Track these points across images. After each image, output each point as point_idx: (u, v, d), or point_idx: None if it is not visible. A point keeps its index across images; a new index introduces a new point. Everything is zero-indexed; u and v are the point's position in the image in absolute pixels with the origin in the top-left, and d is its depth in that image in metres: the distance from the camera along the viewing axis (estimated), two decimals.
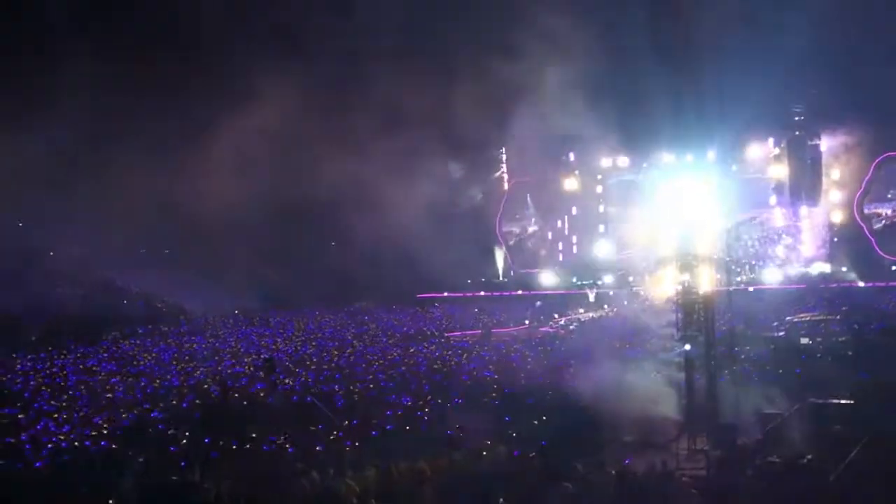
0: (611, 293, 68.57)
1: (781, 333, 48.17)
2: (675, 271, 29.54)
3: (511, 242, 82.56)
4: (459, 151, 53.19)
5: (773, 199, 74.54)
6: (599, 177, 78.92)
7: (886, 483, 19.91)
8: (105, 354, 50.99)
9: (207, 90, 50.67)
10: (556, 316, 64.16)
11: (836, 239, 72.73)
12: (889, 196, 72.12)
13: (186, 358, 49.18)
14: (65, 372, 44.54)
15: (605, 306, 65.64)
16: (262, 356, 46.54)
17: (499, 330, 60.86)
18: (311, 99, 49.92)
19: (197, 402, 34.76)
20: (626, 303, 61.41)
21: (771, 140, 73.57)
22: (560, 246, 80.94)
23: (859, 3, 59.60)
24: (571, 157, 77.07)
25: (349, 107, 52.06)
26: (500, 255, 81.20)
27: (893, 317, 51.65)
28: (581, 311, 66.09)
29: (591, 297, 68.64)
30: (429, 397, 33.79)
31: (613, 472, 22.86)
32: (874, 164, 71.30)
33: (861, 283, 67.60)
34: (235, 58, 51.00)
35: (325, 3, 50.49)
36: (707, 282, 29.06)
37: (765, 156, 74.27)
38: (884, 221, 72.14)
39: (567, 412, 29.66)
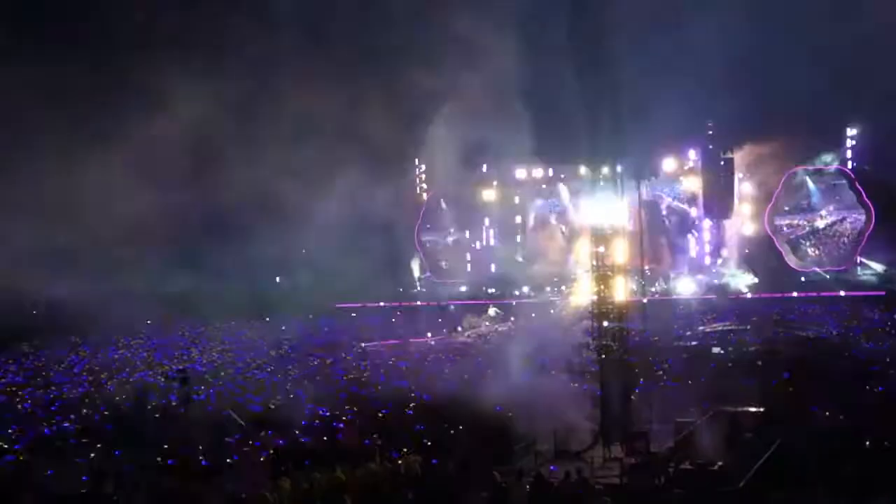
0: (513, 304, 68.83)
1: (694, 343, 48.87)
2: (591, 282, 29.81)
3: (429, 253, 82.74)
4: (374, 162, 53.06)
5: (693, 211, 75.83)
6: (518, 190, 79.70)
7: (795, 488, 20.31)
8: (13, 366, 49.89)
9: (118, 96, 49.84)
10: (458, 329, 64.22)
11: (747, 250, 74.18)
12: (804, 207, 73.77)
13: (97, 369, 48.34)
14: None
15: (512, 318, 65.65)
16: (176, 367, 45.95)
17: (416, 339, 60.82)
18: (220, 107, 49.59)
19: (107, 413, 34.15)
20: (533, 315, 61.70)
21: (686, 153, 74.81)
22: (478, 257, 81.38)
23: (771, 19, 60.91)
24: (484, 168, 77.56)
25: (257, 117, 51.75)
26: (417, 266, 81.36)
27: (799, 327, 52.71)
28: (485, 323, 65.99)
29: (492, 312, 68.51)
30: (346, 407, 33.61)
31: (529, 480, 22.98)
32: (784, 178, 72.89)
33: (748, 294, 69.09)
34: (144, 63, 50.34)
35: (236, 8, 50.05)
36: (622, 292, 29.39)
37: (678, 169, 75.54)
38: (796, 232, 73.74)
39: (483, 421, 29.72)
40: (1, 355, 53.53)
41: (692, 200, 75.87)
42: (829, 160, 72.66)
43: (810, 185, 73.22)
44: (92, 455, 26.85)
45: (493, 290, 75.80)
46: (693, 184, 75.25)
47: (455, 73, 44.27)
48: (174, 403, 34.59)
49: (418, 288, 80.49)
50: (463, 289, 77.36)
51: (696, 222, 76.01)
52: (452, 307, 71.02)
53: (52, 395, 39.24)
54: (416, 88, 45.32)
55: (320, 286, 66.44)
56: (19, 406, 36.83)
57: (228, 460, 25.91)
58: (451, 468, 23.87)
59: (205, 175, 52.21)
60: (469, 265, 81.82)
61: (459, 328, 64.10)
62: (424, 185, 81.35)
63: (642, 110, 29.14)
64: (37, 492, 21.62)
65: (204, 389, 39.13)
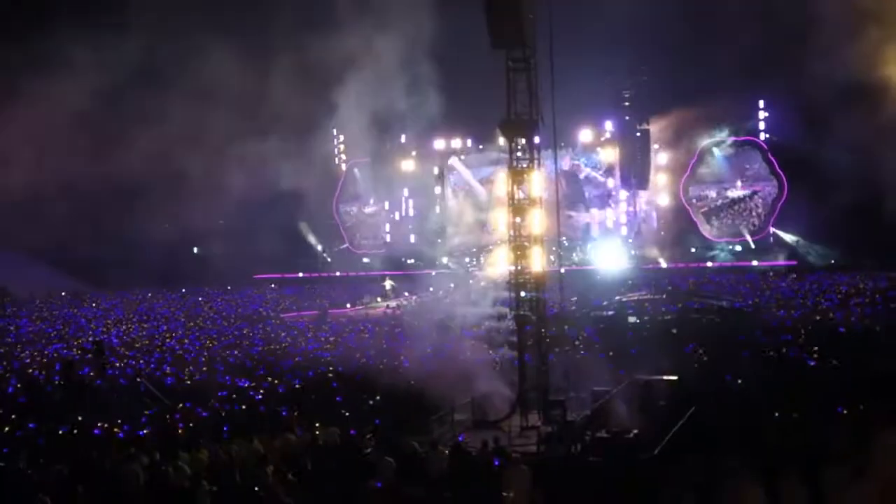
0: (432, 273, 68.75)
1: (610, 313, 49.48)
2: (509, 252, 29.94)
3: (348, 223, 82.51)
4: (290, 132, 52.67)
5: (610, 182, 76.56)
6: (437, 160, 79.73)
7: (707, 455, 20.68)
8: None
9: (22, 64, 48.83)
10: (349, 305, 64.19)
11: (661, 221, 75.21)
12: (717, 178, 74.86)
13: (10, 341, 47.52)
14: None
15: (406, 294, 65.53)
16: (91, 338, 45.37)
17: (335, 311, 60.79)
18: (125, 78, 49.00)
19: (19, 386, 33.59)
20: (452, 285, 61.87)
21: (608, 123, 75.43)
22: (398, 228, 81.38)
23: None
24: (403, 138, 77.44)
25: (164, 85, 51.08)
26: (333, 236, 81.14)
27: (713, 297, 53.63)
28: (378, 300, 65.88)
29: (387, 285, 68.33)
30: (266, 379, 33.49)
31: (447, 449, 23.10)
32: (698, 149, 73.96)
33: (664, 264, 70.15)
34: (45, 31, 49.42)
35: None
36: (539, 263, 29.56)
37: (596, 140, 76.19)
38: (709, 203, 74.87)
39: (401, 391, 29.83)
40: None
41: (609, 171, 76.61)
42: (740, 132, 73.71)
43: (722, 156, 74.29)
44: (5, 428, 26.38)
45: (412, 261, 75.89)
46: (610, 155, 76.01)
47: (369, 37, 44.03)
48: (90, 375, 34.22)
49: (330, 259, 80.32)
50: (380, 260, 77.30)
51: (613, 193, 76.79)
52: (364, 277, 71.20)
53: None
54: (329, 54, 45.01)
55: (238, 257, 65.91)
56: None
57: (145, 431, 25.66)
58: (368, 438, 23.90)
59: (113, 144, 51.52)
60: (388, 236, 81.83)
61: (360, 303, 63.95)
62: (343, 157, 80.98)
63: (560, 80, 29.02)
64: None
65: (119, 363, 38.70)
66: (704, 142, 73.99)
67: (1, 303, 63.59)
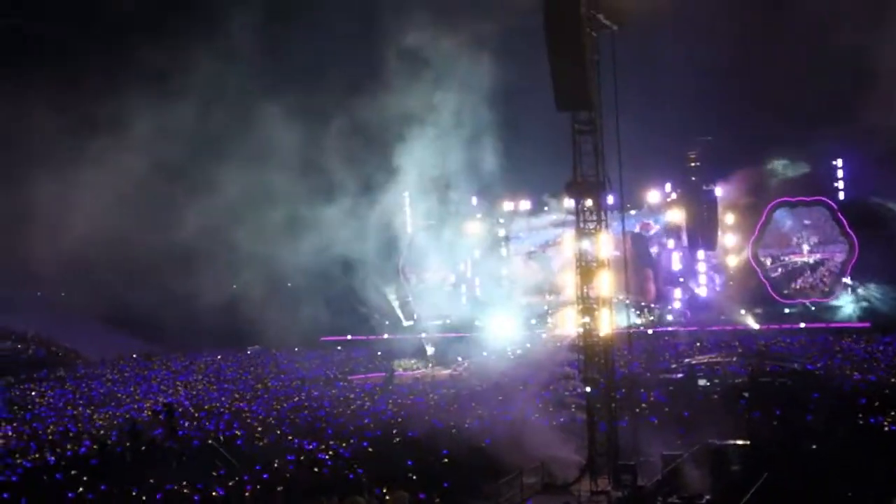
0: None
1: (680, 375, 48.87)
2: (577, 314, 29.81)
3: (416, 284, 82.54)
4: (362, 195, 53.13)
5: (670, 243, 76.03)
6: (501, 220, 79.75)
7: None
8: None
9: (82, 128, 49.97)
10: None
11: (731, 282, 74.41)
12: (787, 240, 74.02)
13: (83, 403, 48.15)
14: None
15: (459, 359, 64.37)
16: (161, 400, 45.83)
17: (401, 374, 60.76)
18: (189, 140, 49.84)
19: (93, 447, 33.99)
20: (519, 350, 61.45)
21: (668, 185, 75.17)
22: (463, 288, 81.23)
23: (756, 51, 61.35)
24: (474, 200, 77.56)
25: (228, 151, 51.87)
26: (402, 299, 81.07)
27: (784, 359, 52.74)
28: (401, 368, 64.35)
29: (429, 350, 67.51)
30: (331, 441, 33.52)
31: None
32: (767, 210, 73.29)
33: (755, 326, 69.13)
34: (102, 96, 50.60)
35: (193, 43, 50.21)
36: (607, 324, 29.39)
37: (662, 201, 75.83)
38: (780, 268, 73.99)
39: (469, 454, 29.69)
40: None
41: (676, 232, 76.10)
42: (810, 190, 72.86)
43: (792, 217, 73.51)
44: (79, 489, 26.71)
45: (479, 323, 75.71)
46: (676, 215, 75.54)
47: (438, 101, 44.53)
48: (160, 437, 34.55)
49: (405, 321, 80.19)
50: (448, 320, 77.13)
51: (682, 254, 76.18)
52: (432, 340, 70.86)
53: (38, 430, 39.02)
54: (394, 116, 45.56)
55: (304, 319, 66.34)
56: (3, 441, 36.59)
57: (214, 494, 25.83)
58: (437, 502, 23.82)
59: (175, 208, 52.33)
60: (454, 297, 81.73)
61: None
62: (409, 220, 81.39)
63: (625, 140, 29.11)
64: None
65: (189, 424, 39.01)
66: (773, 202, 73.26)
67: (73, 365, 64.62)
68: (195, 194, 50.80)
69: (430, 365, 64.13)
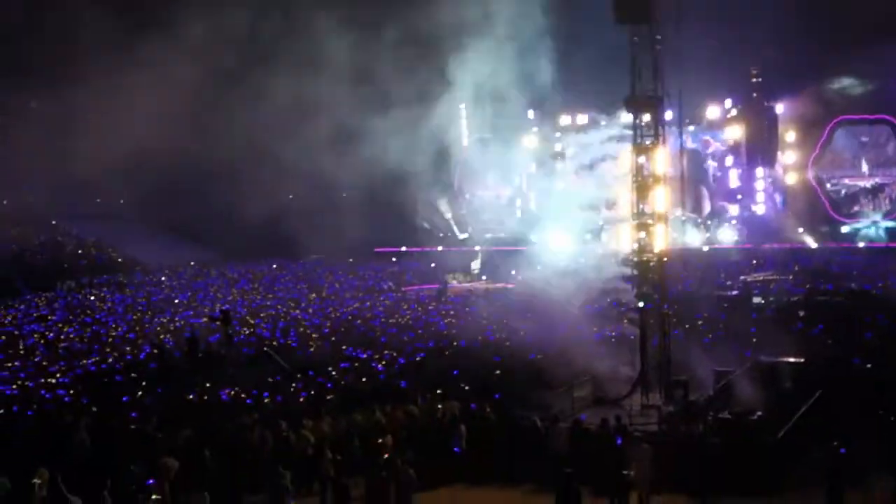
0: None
1: (735, 293, 48.59)
2: (632, 229, 29.61)
3: (471, 198, 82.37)
4: (418, 104, 52.61)
5: (728, 160, 74.98)
6: (558, 134, 79.01)
7: (834, 439, 20.22)
8: (59, 303, 50.53)
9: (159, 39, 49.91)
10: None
11: (789, 201, 73.41)
12: (847, 159, 72.74)
13: (141, 309, 48.90)
14: (17, 320, 44.14)
15: (513, 273, 64.18)
16: (217, 308, 46.42)
17: (454, 286, 61.03)
18: (242, 47, 49.59)
19: (153, 352, 34.58)
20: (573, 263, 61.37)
21: (728, 101, 73.86)
22: (518, 203, 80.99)
23: None
24: (530, 114, 76.86)
25: (280, 60, 51.52)
26: (456, 212, 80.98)
27: (842, 278, 52.20)
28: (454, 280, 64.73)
29: (475, 265, 67.05)
30: (384, 350, 33.81)
31: (567, 425, 23.07)
32: (829, 127, 71.93)
33: (814, 245, 68.37)
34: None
35: None
36: (662, 240, 29.17)
37: (722, 117, 74.62)
38: (840, 189, 72.84)
39: (520, 366, 29.83)
40: (46, 293, 54.18)
41: (734, 149, 74.98)
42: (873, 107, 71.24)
43: (847, 136, 72.12)
44: (138, 393, 27.20)
45: (533, 237, 75.53)
46: (735, 132, 74.35)
47: (496, 9, 43.79)
48: (216, 344, 35.05)
49: (458, 235, 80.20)
50: (502, 234, 77.06)
51: (741, 171, 75.14)
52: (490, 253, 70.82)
53: (99, 333, 39.75)
54: (451, 26, 44.87)
55: (358, 230, 66.56)
56: (65, 344, 37.30)
57: (269, 400, 26.20)
58: (488, 413, 23.98)
59: (235, 121, 52.37)
60: (508, 211, 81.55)
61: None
62: (466, 132, 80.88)
63: (685, 55, 28.60)
64: (83, 430, 21.91)
65: (245, 331, 39.52)
66: (834, 119, 71.86)
67: (132, 272, 65.51)
68: (249, 103, 50.80)
69: (483, 278, 64.36)
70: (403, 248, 75.64)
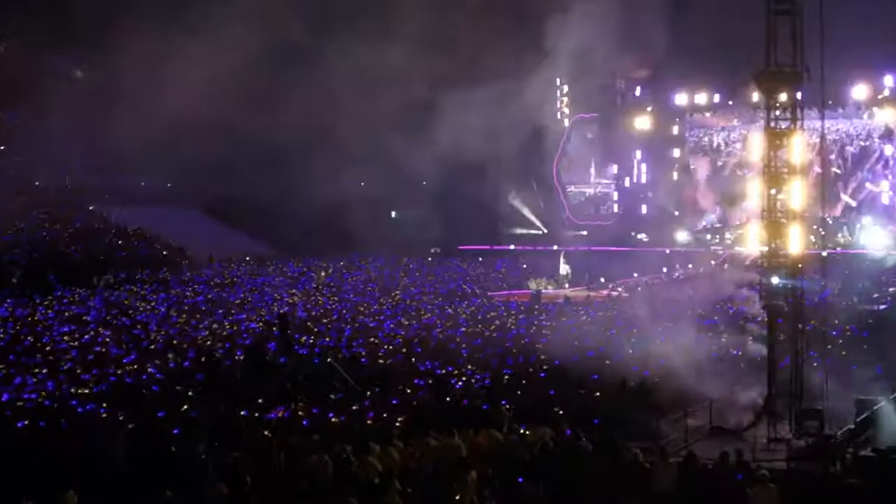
0: (667, 252, 67.29)
1: (883, 307, 47.85)
2: (761, 229, 29.33)
3: (571, 189, 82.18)
4: (506, 82, 52.43)
5: (888, 149, 73.69)
6: (676, 118, 78.47)
7: None
8: (95, 302, 51.31)
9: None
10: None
11: None
12: None
13: (188, 309, 49.46)
14: (49, 320, 44.91)
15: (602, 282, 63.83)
16: (274, 310, 46.83)
17: (551, 291, 60.88)
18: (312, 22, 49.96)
19: (201, 360, 34.95)
20: (690, 267, 60.86)
21: (888, 78, 72.56)
22: (627, 195, 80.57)
23: None
24: (638, 91, 76.44)
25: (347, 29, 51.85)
26: (553, 206, 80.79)
27: None
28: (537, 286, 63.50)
29: (563, 270, 66.25)
30: (467, 366, 33.83)
31: (678, 460, 22.88)
32: None
33: None
34: None
35: None
36: (798, 242, 28.84)
37: (872, 97, 73.45)
38: None
39: (625, 388, 29.67)
40: (82, 289, 55.00)
41: (887, 136, 73.77)
42: None
43: None
44: (183, 406, 27.51)
45: (643, 236, 75.15)
46: (889, 115, 73.11)
47: None
48: (273, 352, 35.38)
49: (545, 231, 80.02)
50: (604, 233, 76.76)
51: (892, 162, 73.89)
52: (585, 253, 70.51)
53: (139, 336, 40.25)
54: None
55: (440, 224, 66.63)
56: (101, 348, 37.84)
57: (332, 419, 26.37)
58: (585, 443, 23.86)
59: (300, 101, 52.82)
60: (616, 206, 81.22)
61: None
62: (566, 111, 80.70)
63: (831, 24, 28.20)
64: (119, 448, 22.25)
65: (305, 338, 39.79)
66: None
67: (178, 266, 66.33)
68: (315, 77, 51.18)
69: (566, 285, 63.61)
70: (491, 247, 75.59)
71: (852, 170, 74.63)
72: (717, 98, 77.07)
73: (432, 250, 72.34)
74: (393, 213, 77.26)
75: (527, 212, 79.69)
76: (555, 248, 73.02)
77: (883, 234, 71.45)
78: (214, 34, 48.52)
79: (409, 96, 50.39)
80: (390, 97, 49.70)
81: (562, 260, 65.91)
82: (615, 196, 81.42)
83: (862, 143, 74.52)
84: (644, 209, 78.94)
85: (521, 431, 24.63)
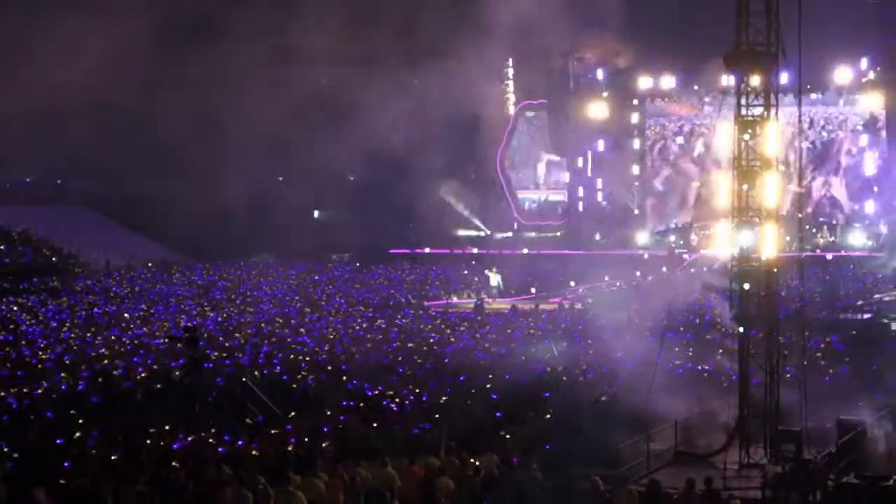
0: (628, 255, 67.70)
1: (867, 316, 48.43)
2: (731, 230, 29.53)
3: (515, 186, 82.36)
4: (443, 61, 52.45)
5: (863, 139, 74.61)
6: (635, 102, 78.80)
7: None
8: None
9: None
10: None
11: None
12: None
13: (82, 323, 49.12)
14: None
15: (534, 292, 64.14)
16: (182, 324, 46.59)
17: (497, 302, 61.06)
18: None
19: (100, 381, 34.71)
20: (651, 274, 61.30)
21: (864, 61, 73.49)
22: (580, 191, 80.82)
23: None
24: (600, 74, 76.76)
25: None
26: (494, 203, 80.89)
27: None
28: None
29: (494, 281, 65.70)
30: (409, 384, 33.88)
31: (639, 489, 23.05)
32: None
33: None
34: None
35: None
36: (772, 245, 29.08)
37: (855, 81, 74.28)
38: None
39: (581, 410, 29.82)
40: None
41: (871, 125, 74.66)
42: None
43: None
44: (75, 434, 27.30)
45: (599, 238, 75.56)
46: (873, 102, 74.01)
47: None
48: (179, 372, 35.18)
49: (495, 233, 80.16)
50: (558, 234, 77.14)
51: (880, 154, 74.75)
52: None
53: (25, 356, 39.90)
54: None
55: (368, 224, 66.66)
56: None
57: (247, 446, 26.30)
58: (536, 471, 23.97)
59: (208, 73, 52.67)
60: (567, 203, 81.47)
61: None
62: (512, 98, 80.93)
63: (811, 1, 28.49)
64: (3, 482, 22.05)
65: (217, 355, 39.67)
66: None
67: (71, 274, 65.84)
68: (222, 58, 51.12)
69: (494, 296, 63.34)
70: (427, 250, 75.63)
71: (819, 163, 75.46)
72: (682, 83, 77.50)
73: (338, 256, 72.22)
74: (315, 213, 77.21)
75: (463, 209, 79.65)
76: (491, 252, 73.15)
77: (866, 235, 72.31)
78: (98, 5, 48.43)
79: (329, 76, 50.30)
80: (305, 76, 49.61)
81: (492, 270, 65.39)
82: (581, 192, 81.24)
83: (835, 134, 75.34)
84: (601, 207, 79.22)
85: (464, 459, 24.68)
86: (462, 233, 79.20)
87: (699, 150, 77.05)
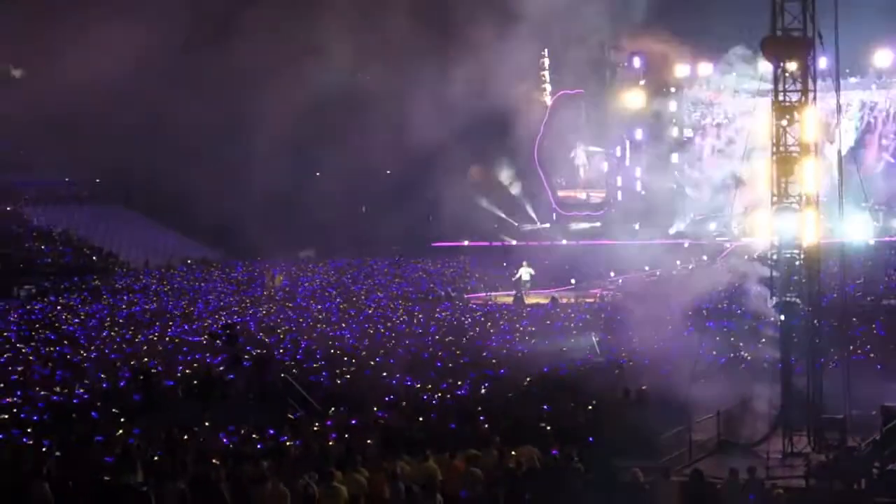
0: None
1: None
2: (771, 216, 29.37)
3: (555, 175, 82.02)
4: (477, 53, 52.35)
5: None
6: (673, 90, 78.42)
7: None
8: (15, 315, 51.11)
9: None
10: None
11: None
12: None
13: (122, 321, 49.31)
14: None
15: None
16: (220, 320, 46.73)
17: (536, 291, 60.94)
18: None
19: (138, 378, 34.83)
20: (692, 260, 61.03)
21: None
22: (619, 181, 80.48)
23: None
24: (637, 62, 76.41)
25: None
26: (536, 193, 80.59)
27: None
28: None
29: (525, 275, 64.33)
30: (445, 378, 33.87)
31: (682, 479, 22.95)
32: None
33: None
34: None
35: None
36: (813, 231, 28.91)
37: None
38: None
39: (622, 401, 29.75)
40: (1, 300, 54.83)
41: None
42: None
43: None
44: (118, 432, 27.41)
45: (638, 227, 75.23)
46: None
47: None
48: (219, 367, 35.32)
49: (539, 223, 79.91)
50: (597, 224, 76.87)
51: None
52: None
53: (66, 354, 40.07)
54: None
55: (412, 218, 66.59)
56: (21, 368, 37.66)
57: (289, 442, 26.33)
58: (577, 463, 23.90)
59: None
60: (606, 193, 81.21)
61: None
62: (549, 87, 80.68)
63: None
64: (45, 479, 22.15)
65: (258, 350, 39.74)
66: None
67: (111, 273, 66.08)
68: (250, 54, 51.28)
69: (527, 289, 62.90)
70: (466, 243, 75.44)
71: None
72: (719, 70, 77.06)
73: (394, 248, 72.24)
74: (364, 209, 77.16)
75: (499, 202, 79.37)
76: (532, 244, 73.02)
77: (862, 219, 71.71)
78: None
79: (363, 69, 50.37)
80: (339, 71, 49.65)
81: (524, 265, 65.04)
82: (619, 181, 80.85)
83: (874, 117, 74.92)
84: (640, 196, 78.88)
85: (504, 452, 24.62)
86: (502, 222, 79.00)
87: (737, 138, 76.54)
